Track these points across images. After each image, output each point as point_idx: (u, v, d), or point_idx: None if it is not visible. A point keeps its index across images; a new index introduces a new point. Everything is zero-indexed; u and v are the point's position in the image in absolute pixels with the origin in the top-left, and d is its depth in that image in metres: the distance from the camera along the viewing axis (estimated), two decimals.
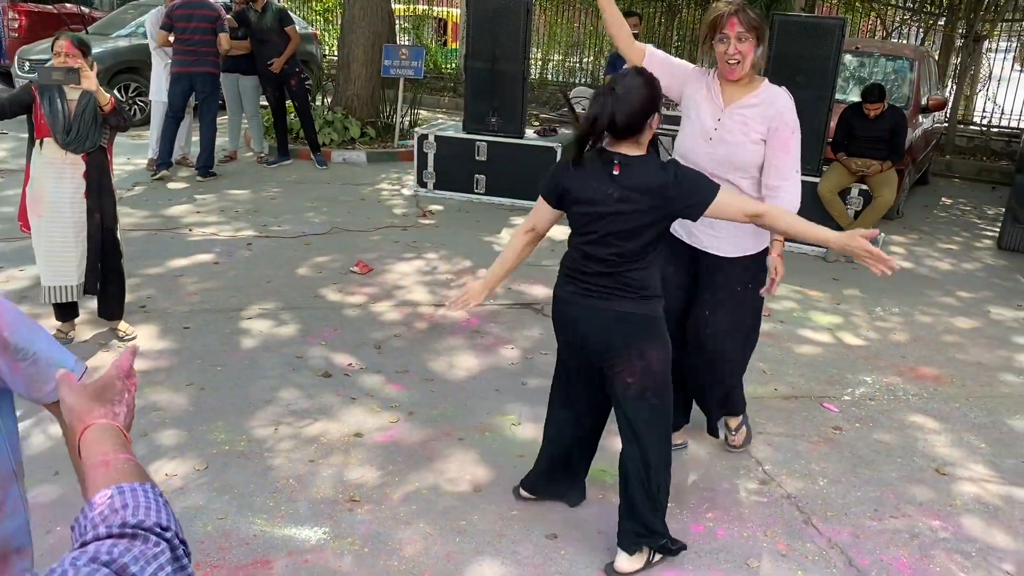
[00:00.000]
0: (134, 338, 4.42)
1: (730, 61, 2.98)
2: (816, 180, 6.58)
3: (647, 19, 12.55)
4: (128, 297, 4.56)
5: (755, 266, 3.23)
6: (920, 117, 8.02)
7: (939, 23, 11.54)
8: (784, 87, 3.14)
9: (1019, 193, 6.74)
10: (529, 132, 7.93)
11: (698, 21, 12.90)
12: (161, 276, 5.39)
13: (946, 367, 4.71)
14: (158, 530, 0.88)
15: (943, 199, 9.11)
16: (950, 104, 10.23)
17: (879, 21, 12.08)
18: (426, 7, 15.32)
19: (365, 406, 3.88)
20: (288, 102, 8.53)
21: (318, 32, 13.59)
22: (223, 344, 4.42)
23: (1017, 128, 11.19)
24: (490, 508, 3.17)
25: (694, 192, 2.56)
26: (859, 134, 6.56)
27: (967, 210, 8.73)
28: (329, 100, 9.99)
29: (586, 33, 13.95)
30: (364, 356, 4.39)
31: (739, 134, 3.06)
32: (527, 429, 3.74)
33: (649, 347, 2.69)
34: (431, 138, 7.79)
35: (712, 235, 3.19)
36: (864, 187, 6.58)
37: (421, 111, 11.53)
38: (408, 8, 15.03)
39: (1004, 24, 11.38)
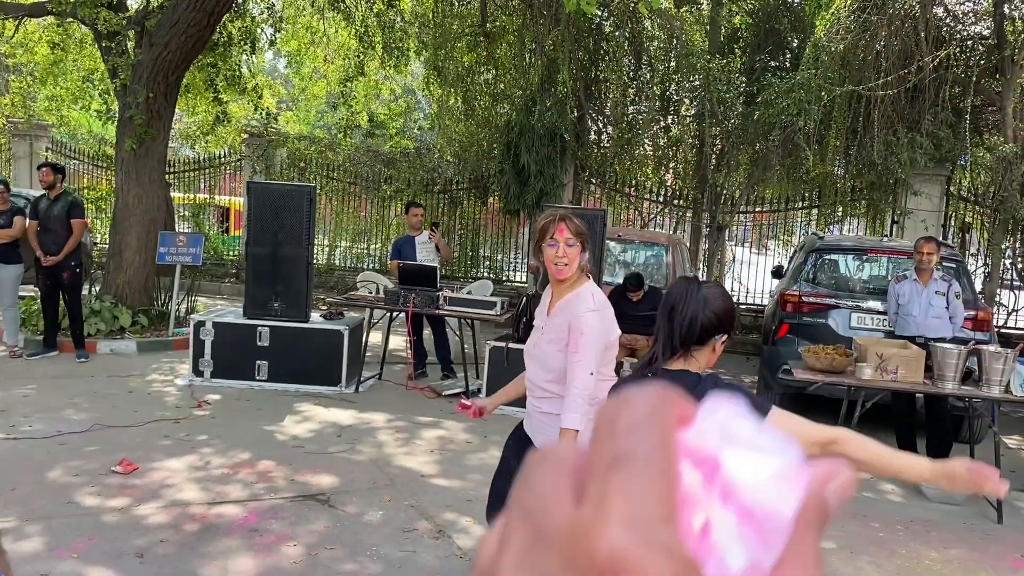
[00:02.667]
0: None
1: (558, 263, 3.12)
2: None
3: (430, 209, 13.16)
4: None
5: None
6: None
7: (687, 214, 12.99)
8: (593, 289, 3.20)
9: (767, 362, 7.46)
10: (315, 316, 7.86)
11: (477, 212, 13.72)
12: None
13: None
14: None
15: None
16: None
17: (637, 213, 13.41)
18: (207, 196, 15.19)
19: None
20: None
21: (88, 220, 13.01)
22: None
23: (760, 304, 12.56)
24: None
25: None
26: (626, 313, 7.06)
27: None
28: (97, 288, 9.45)
29: (373, 221, 14.35)
30: (124, 567, 3.92)
31: (549, 339, 3.16)
32: None
33: None
34: (208, 324, 7.50)
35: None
36: (635, 360, 7.03)
37: (200, 297, 11.16)
38: (188, 197, 14.83)
39: (740, 215, 13.01)
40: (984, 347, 5.63)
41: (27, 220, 8.22)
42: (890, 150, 10.55)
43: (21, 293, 8.36)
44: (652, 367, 2.25)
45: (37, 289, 8.55)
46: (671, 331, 2.20)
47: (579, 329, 3.07)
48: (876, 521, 5.25)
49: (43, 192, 8.30)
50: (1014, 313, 11.65)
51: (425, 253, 8.21)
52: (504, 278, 13.77)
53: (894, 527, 5.18)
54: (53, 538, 4.18)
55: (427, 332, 8.29)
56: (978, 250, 12.21)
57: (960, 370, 5.50)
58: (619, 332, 3.25)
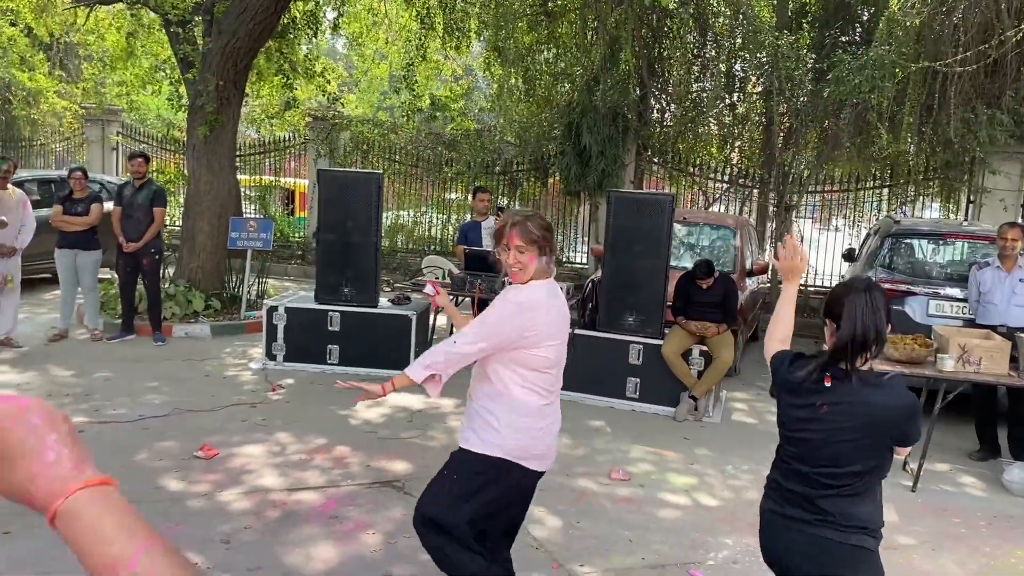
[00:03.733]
0: None
1: (512, 269, 3.09)
2: (659, 343, 6.92)
3: (491, 192, 13.14)
4: None
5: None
6: (747, 280, 8.68)
7: (753, 193, 12.75)
8: (532, 286, 3.10)
9: None
10: (383, 300, 7.95)
11: (538, 194, 13.67)
12: None
13: None
14: None
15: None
16: (771, 267, 11.14)
17: (701, 193, 13.21)
18: (273, 178, 15.43)
19: None
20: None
21: None
22: (49, 551, 3.96)
23: (829, 287, 12.29)
24: None
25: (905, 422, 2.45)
26: (695, 299, 6.99)
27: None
28: (171, 272, 9.70)
29: (434, 203, 14.42)
30: (211, 554, 4.05)
31: None
32: None
33: None
34: (281, 310, 7.65)
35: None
36: (704, 348, 6.94)
37: (269, 280, 11.37)
38: (253, 179, 15.09)
39: (809, 195, 12.71)
40: None
41: (106, 206, 8.46)
42: (968, 127, 10.17)
43: (99, 277, 8.64)
44: (837, 363, 2.45)
45: (114, 273, 8.83)
46: (859, 338, 2.41)
47: (492, 307, 3.08)
48: (957, 516, 5.13)
49: (127, 179, 8.54)
50: None
51: (490, 239, 8.21)
52: (564, 259, 13.71)
53: (976, 523, 5.06)
54: None
55: None
56: None
57: None
58: (545, 348, 3.03)
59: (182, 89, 11.25)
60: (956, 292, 6.94)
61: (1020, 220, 10.17)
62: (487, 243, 8.16)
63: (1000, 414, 6.30)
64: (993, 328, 6.02)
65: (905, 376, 5.72)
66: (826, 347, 2.58)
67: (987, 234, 7.38)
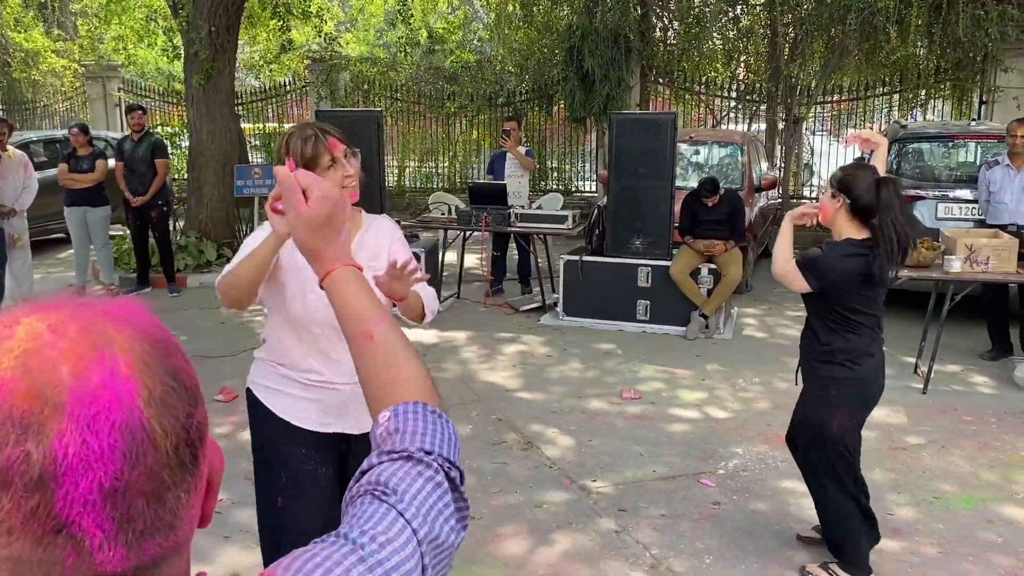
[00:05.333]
0: None
1: (348, 185, 2.42)
2: (667, 264, 6.93)
3: (496, 123, 13.03)
4: None
5: None
6: (756, 196, 8.61)
7: (761, 109, 12.54)
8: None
9: None
10: None
11: (541, 124, 13.52)
12: None
13: None
14: (420, 454, 0.93)
15: None
16: (780, 181, 11.04)
17: (708, 111, 13.01)
18: (276, 125, 15.34)
19: (240, 543, 3.68)
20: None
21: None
22: None
23: None
24: None
25: None
26: (702, 218, 6.97)
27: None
28: (181, 224, 9.77)
29: (439, 139, 14.32)
30: (235, 489, 4.18)
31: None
32: None
33: None
34: None
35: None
36: (713, 266, 6.95)
37: None
38: (256, 127, 15.01)
39: (817, 106, 12.48)
40: None
41: (110, 162, 8.49)
42: (978, 25, 9.91)
43: (111, 233, 8.72)
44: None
45: (126, 229, 8.91)
46: (907, 231, 3.14)
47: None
48: (968, 415, 5.18)
49: (126, 134, 8.54)
50: None
51: (513, 168, 8.24)
52: (573, 188, 13.64)
53: (987, 420, 5.10)
54: None
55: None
56: None
57: None
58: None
59: (177, 40, 11.17)
60: (966, 193, 6.86)
61: None
62: (508, 171, 8.18)
63: (1012, 313, 6.30)
64: (1003, 227, 5.97)
65: (912, 280, 5.72)
66: (830, 221, 3.33)
67: (996, 132, 7.26)
